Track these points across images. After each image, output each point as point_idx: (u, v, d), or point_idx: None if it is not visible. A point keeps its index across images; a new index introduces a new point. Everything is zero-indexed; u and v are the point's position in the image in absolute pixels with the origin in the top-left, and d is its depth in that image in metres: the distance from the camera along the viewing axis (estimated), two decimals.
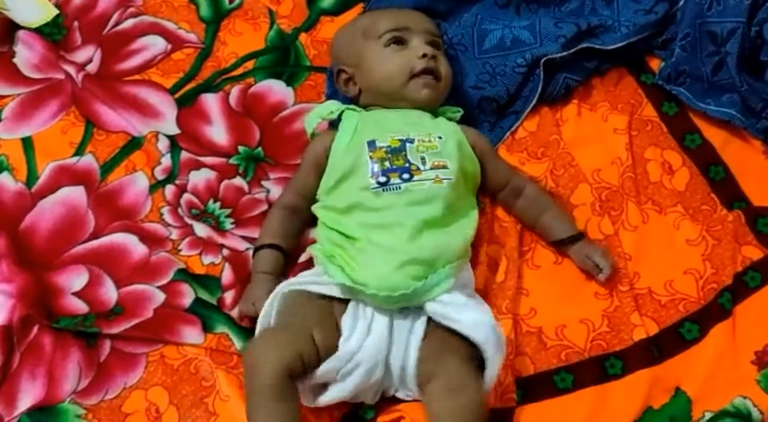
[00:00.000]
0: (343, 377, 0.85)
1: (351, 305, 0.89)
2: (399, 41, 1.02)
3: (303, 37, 1.19)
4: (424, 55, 0.99)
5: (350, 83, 1.04)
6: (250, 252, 1.00)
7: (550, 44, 1.07)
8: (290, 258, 0.98)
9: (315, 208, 0.97)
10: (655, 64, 1.13)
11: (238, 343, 0.94)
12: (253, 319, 0.93)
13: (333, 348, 0.86)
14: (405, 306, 0.88)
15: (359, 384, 0.85)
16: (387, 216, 0.91)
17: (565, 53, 1.06)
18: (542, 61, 1.05)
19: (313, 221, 0.99)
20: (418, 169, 0.94)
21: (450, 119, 1.03)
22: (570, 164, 1.05)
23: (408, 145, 0.95)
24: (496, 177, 1.01)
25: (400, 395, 0.89)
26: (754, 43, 1.02)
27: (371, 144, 0.96)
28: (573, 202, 1.03)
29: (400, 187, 0.92)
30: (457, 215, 0.94)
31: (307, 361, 0.84)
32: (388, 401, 0.89)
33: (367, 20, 1.06)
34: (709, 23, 1.04)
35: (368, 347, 0.86)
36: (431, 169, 0.94)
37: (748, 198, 1.02)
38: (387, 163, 0.94)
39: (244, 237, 1.02)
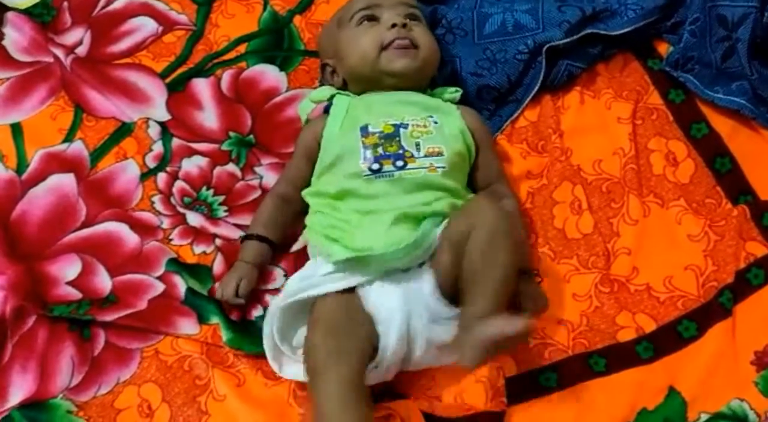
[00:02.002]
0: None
1: (364, 296, 0.87)
2: (370, 18, 0.99)
3: (297, 20, 1.17)
4: (394, 25, 0.96)
5: (334, 75, 1.02)
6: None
7: (553, 30, 1.04)
8: (280, 248, 0.98)
9: (306, 194, 0.96)
10: (663, 49, 1.10)
11: (225, 335, 0.93)
12: (234, 307, 0.94)
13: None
14: (409, 264, 0.86)
15: (392, 354, 0.84)
16: (380, 203, 0.90)
17: (568, 40, 1.04)
18: (545, 48, 1.03)
19: (306, 210, 0.98)
20: (413, 156, 0.92)
21: (449, 101, 1.01)
22: (558, 159, 1.03)
23: (402, 130, 0.94)
24: (484, 173, 0.99)
25: (416, 363, 0.87)
26: (767, 30, 0.99)
27: (364, 129, 0.94)
28: (555, 198, 1.01)
29: (393, 175, 0.91)
30: (455, 198, 0.93)
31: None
32: (378, 399, 0.89)
33: (341, 10, 1.05)
34: (720, 7, 1.01)
35: (395, 317, 0.85)
36: (426, 156, 0.93)
37: (755, 191, 1.00)
38: (380, 149, 0.92)
39: (238, 225, 1.02)
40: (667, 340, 0.92)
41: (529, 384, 0.89)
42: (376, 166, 0.92)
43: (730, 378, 0.88)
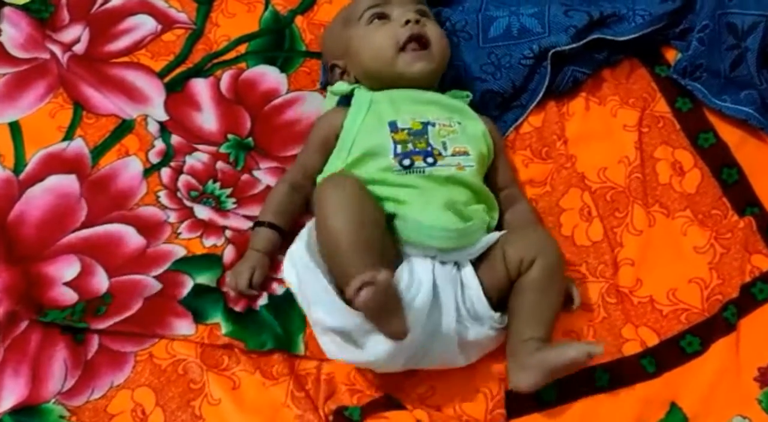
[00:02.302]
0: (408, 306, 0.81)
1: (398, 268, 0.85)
2: (381, 16, 0.98)
3: (299, 20, 1.15)
4: (407, 22, 0.95)
5: (344, 76, 1.01)
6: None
7: (559, 35, 1.02)
8: (289, 235, 0.96)
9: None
10: (671, 55, 1.09)
11: (225, 328, 0.92)
12: (242, 298, 0.92)
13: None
14: (456, 249, 0.86)
15: (411, 341, 0.81)
16: (411, 192, 0.89)
17: (574, 45, 1.02)
18: (550, 53, 1.01)
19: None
20: (441, 154, 0.92)
21: None
22: (564, 166, 1.02)
23: (429, 128, 0.93)
24: (501, 177, 0.98)
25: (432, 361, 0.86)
26: None
27: (392, 125, 0.93)
28: (561, 206, 1.00)
29: (424, 171, 0.90)
30: (484, 202, 0.93)
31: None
32: (375, 407, 0.88)
33: (345, 8, 1.03)
34: (730, 15, 1.00)
35: (422, 294, 0.83)
36: (453, 155, 0.92)
37: (761, 203, 0.99)
38: (410, 146, 0.91)
39: (248, 217, 1.01)
40: (669, 355, 0.90)
41: (529, 397, 0.88)
42: (407, 162, 0.91)
43: (733, 394, 0.87)
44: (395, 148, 0.91)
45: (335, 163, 0.94)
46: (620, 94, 1.07)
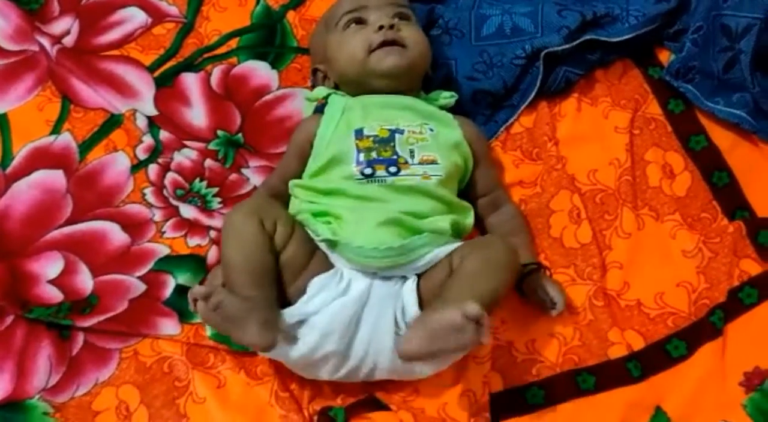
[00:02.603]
0: (295, 338, 0.83)
1: (328, 273, 0.86)
2: (358, 21, 0.97)
3: (291, 15, 1.14)
4: (381, 27, 0.94)
5: (326, 80, 1.00)
6: None
7: (551, 35, 1.02)
8: None
9: (293, 185, 0.94)
10: (665, 56, 1.08)
11: (209, 330, 0.92)
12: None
13: (299, 264, 0.85)
14: (392, 268, 0.85)
15: (311, 350, 0.83)
16: (369, 205, 0.88)
17: (567, 46, 1.01)
18: (542, 54, 1.01)
19: None
20: (406, 162, 0.91)
21: (443, 106, 0.99)
22: (554, 168, 1.01)
23: (397, 135, 0.92)
24: (482, 183, 0.97)
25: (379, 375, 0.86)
26: None
27: (359, 132, 0.92)
28: (551, 208, 0.99)
29: (385, 181, 0.90)
30: (452, 211, 0.91)
31: (277, 238, 0.85)
32: (359, 408, 0.88)
33: (327, 12, 1.03)
34: (725, 16, 0.99)
35: (328, 313, 0.83)
36: (419, 163, 0.91)
37: (752, 207, 0.98)
38: (373, 154, 0.90)
39: None
40: (655, 359, 0.90)
41: (515, 401, 0.88)
42: (368, 171, 0.90)
43: (718, 399, 0.87)
44: (358, 155, 0.90)
45: (309, 168, 0.94)
46: (612, 95, 1.06)
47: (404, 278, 0.87)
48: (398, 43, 0.95)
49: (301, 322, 0.84)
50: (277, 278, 0.85)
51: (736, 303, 0.91)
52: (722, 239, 0.96)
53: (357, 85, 0.97)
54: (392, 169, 0.90)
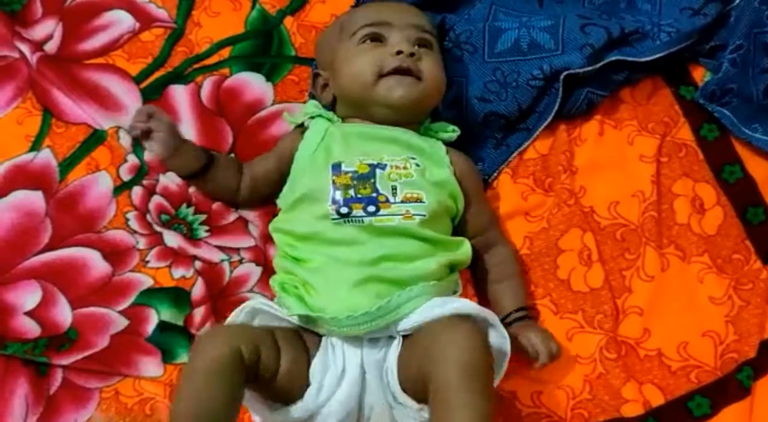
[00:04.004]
0: None
1: (321, 350, 0.81)
2: (375, 38, 0.89)
3: (288, 21, 1.06)
4: (399, 52, 0.86)
5: (325, 89, 0.93)
6: (225, 265, 0.94)
7: (573, 54, 0.93)
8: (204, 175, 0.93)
9: (271, 230, 0.90)
10: (699, 74, 0.99)
11: None
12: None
13: (299, 375, 0.79)
14: (374, 331, 0.79)
15: None
16: (347, 251, 0.82)
17: (589, 68, 0.92)
18: (562, 76, 0.92)
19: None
20: (387, 200, 0.84)
21: (443, 140, 0.91)
22: (566, 203, 0.93)
23: (378, 171, 0.85)
24: (474, 223, 0.90)
25: None
26: None
27: (336, 167, 0.86)
28: (560, 247, 0.92)
29: (362, 221, 0.83)
30: (440, 249, 0.84)
31: (264, 362, 0.76)
32: None
33: (345, 15, 0.94)
34: (767, 34, 0.89)
35: (338, 400, 0.79)
36: (402, 201, 0.84)
37: None
38: (351, 191, 0.84)
39: (220, 248, 0.94)
40: (675, 417, 0.84)
41: None
42: (344, 210, 0.83)
43: None
44: (334, 193, 0.84)
45: (285, 198, 0.89)
46: (639, 117, 0.97)
47: (392, 337, 0.80)
48: (413, 74, 0.87)
49: (312, 416, 0.78)
50: (280, 390, 0.78)
51: (766, 359, 0.84)
52: (755, 285, 0.88)
53: (355, 107, 0.90)
54: (370, 208, 0.83)
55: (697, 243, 0.91)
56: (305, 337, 0.82)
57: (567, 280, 0.91)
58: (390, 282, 0.80)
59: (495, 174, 0.97)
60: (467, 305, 0.79)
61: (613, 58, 0.94)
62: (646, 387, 0.86)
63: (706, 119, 0.97)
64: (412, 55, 0.87)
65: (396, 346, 0.79)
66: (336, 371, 0.80)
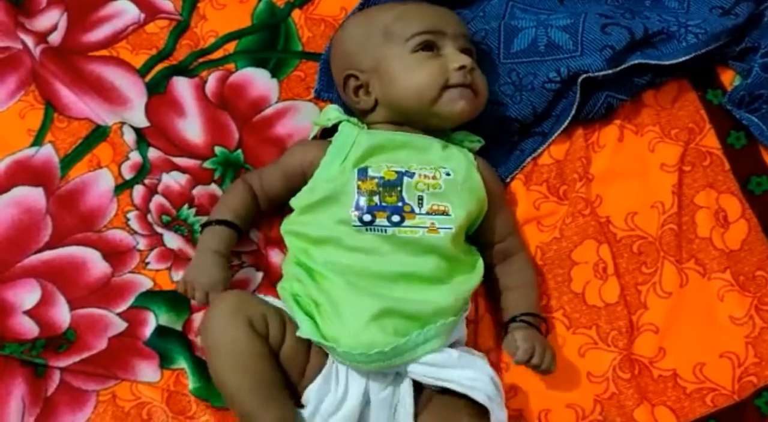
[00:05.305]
0: None
1: (325, 371, 0.79)
2: (429, 47, 0.86)
3: (296, 14, 1.03)
4: (462, 67, 0.84)
5: (362, 93, 0.88)
6: None
7: (592, 55, 0.88)
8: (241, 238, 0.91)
9: (283, 232, 0.87)
10: (728, 78, 0.94)
11: (192, 383, 0.87)
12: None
13: (299, 359, 0.79)
14: (384, 367, 0.78)
15: None
16: (365, 260, 0.80)
17: (609, 72, 0.88)
18: (580, 79, 0.88)
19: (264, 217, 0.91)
20: (413, 211, 0.81)
21: (467, 148, 0.88)
22: (581, 213, 0.89)
23: (406, 179, 0.82)
24: (496, 231, 0.87)
25: None
26: None
27: (362, 172, 0.83)
28: (573, 259, 0.88)
29: (386, 231, 0.80)
30: (457, 271, 0.82)
31: (272, 333, 0.77)
32: None
33: (389, 16, 0.89)
34: None
35: None
36: (428, 213, 0.81)
37: None
38: (376, 198, 0.81)
39: None
40: None
41: None
42: (368, 218, 0.81)
43: None
44: (359, 199, 0.81)
45: (302, 200, 0.85)
46: (662, 122, 0.93)
47: (399, 373, 0.79)
48: (472, 88, 0.85)
49: None
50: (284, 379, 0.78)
51: None
52: None
53: (402, 114, 0.87)
54: (395, 218, 0.80)
55: (719, 259, 0.87)
56: (313, 350, 0.80)
57: (582, 294, 0.87)
58: (408, 317, 0.78)
59: (507, 180, 0.93)
60: (480, 382, 0.77)
61: (635, 62, 0.89)
62: (659, 410, 0.83)
63: (734, 126, 0.92)
64: (472, 70, 0.85)
65: (408, 386, 0.78)
66: (336, 397, 0.78)
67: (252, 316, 0.77)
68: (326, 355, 0.79)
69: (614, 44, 0.88)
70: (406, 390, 0.78)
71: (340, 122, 0.88)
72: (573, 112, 0.90)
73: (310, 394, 0.78)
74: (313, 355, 0.80)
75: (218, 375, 0.78)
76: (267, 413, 0.74)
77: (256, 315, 0.78)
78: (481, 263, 0.85)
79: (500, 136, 0.92)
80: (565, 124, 0.91)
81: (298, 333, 0.79)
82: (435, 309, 0.78)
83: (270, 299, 0.84)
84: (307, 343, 0.79)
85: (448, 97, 0.84)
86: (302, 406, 0.79)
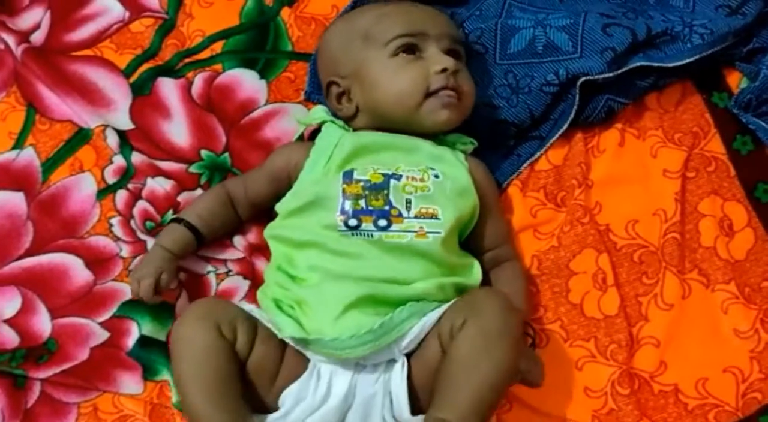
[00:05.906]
0: None
1: (304, 376, 0.76)
2: (410, 49, 0.83)
3: (286, 13, 1.00)
4: (444, 70, 0.81)
5: (344, 99, 0.85)
6: (212, 276, 0.89)
7: (592, 58, 0.85)
8: (204, 245, 0.89)
9: (267, 236, 0.85)
10: (734, 80, 0.91)
11: (175, 395, 0.84)
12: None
13: (267, 372, 0.76)
14: (376, 352, 0.74)
15: None
16: (351, 264, 0.77)
17: (609, 75, 0.85)
18: (579, 82, 0.84)
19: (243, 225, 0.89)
20: (400, 215, 0.78)
21: (459, 150, 0.85)
22: (580, 221, 0.86)
23: (392, 181, 0.80)
24: (488, 238, 0.84)
25: None
26: None
27: (347, 175, 0.80)
28: (572, 268, 0.85)
29: (371, 235, 0.78)
30: (447, 274, 0.79)
31: (240, 340, 0.76)
32: None
33: (370, 19, 0.86)
34: None
35: None
36: (416, 217, 0.78)
37: None
38: (362, 202, 0.79)
39: (206, 258, 0.90)
40: None
41: None
42: (353, 222, 0.78)
43: None
44: (344, 203, 0.79)
45: (286, 204, 0.83)
46: (665, 126, 0.90)
47: (392, 361, 0.76)
48: (457, 92, 0.82)
49: None
50: (249, 387, 0.76)
51: None
52: None
53: (385, 121, 0.84)
54: (381, 223, 0.78)
55: (723, 269, 0.84)
56: (289, 349, 0.78)
57: (580, 305, 0.84)
58: (386, 301, 0.75)
59: (503, 186, 0.90)
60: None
61: (637, 64, 0.86)
62: None
63: (740, 131, 0.89)
64: (456, 72, 0.81)
65: (401, 369, 0.75)
66: (314, 399, 0.75)
67: (220, 322, 0.75)
68: (305, 359, 0.77)
69: (616, 46, 0.85)
70: (397, 376, 0.75)
71: (324, 122, 0.86)
72: (572, 115, 0.87)
73: (287, 397, 0.76)
74: (288, 361, 0.77)
75: (176, 378, 0.76)
76: (215, 417, 0.72)
77: (225, 322, 0.75)
78: (478, 267, 0.82)
79: (496, 140, 0.89)
80: (564, 127, 0.88)
81: (280, 336, 0.77)
82: (417, 293, 0.76)
83: (252, 308, 0.82)
84: (281, 350, 0.77)
85: (429, 107, 0.82)
86: (267, 412, 0.77)
